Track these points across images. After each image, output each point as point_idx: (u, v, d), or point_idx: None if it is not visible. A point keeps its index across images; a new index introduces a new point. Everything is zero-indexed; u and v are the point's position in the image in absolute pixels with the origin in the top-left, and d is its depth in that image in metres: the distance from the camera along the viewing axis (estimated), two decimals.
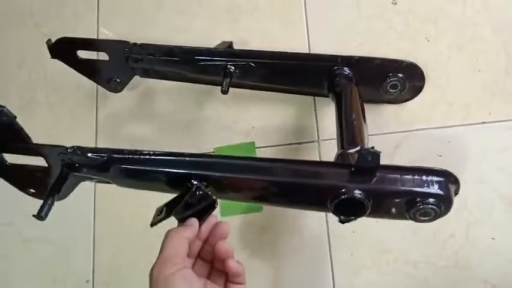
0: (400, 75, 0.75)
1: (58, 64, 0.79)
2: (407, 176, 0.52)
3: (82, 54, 0.80)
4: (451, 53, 0.82)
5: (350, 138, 0.60)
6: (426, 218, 0.53)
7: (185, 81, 0.84)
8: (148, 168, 0.53)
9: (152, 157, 0.53)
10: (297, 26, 0.90)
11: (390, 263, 0.78)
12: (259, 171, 0.53)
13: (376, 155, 0.49)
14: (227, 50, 0.78)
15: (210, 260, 0.54)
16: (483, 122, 0.79)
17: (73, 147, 0.53)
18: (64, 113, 0.95)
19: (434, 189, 0.51)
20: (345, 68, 0.74)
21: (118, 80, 0.84)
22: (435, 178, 0.52)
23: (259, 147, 0.86)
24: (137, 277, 0.81)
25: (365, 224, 0.77)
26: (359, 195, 0.51)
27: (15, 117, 0.52)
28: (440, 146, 0.78)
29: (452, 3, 0.84)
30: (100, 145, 0.91)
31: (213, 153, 0.84)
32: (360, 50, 0.83)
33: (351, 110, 0.66)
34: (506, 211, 0.75)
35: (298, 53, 0.79)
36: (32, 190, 0.59)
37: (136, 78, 0.84)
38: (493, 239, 0.74)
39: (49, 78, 0.97)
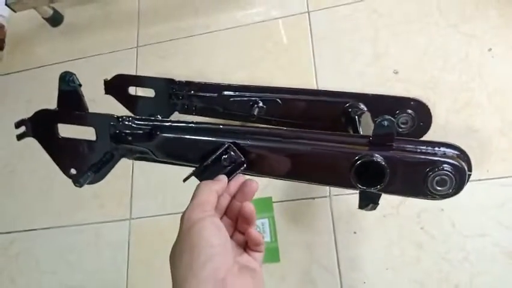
0: (409, 111, 0.81)
1: None
2: (422, 146, 0.55)
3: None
4: (449, 116, 0.88)
5: None
6: (443, 189, 0.54)
7: (218, 117, 0.89)
8: (187, 136, 0.57)
9: (191, 125, 0.57)
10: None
11: None
12: (284, 140, 0.56)
13: (391, 121, 0.53)
14: (257, 86, 0.85)
15: (235, 219, 0.55)
16: (479, 179, 0.82)
17: (122, 116, 0.58)
18: None
19: (448, 158, 0.54)
20: (359, 103, 0.81)
21: (159, 116, 0.91)
22: (448, 149, 0.55)
23: (277, 202, 0.89)
24: None
25: (375, 274, 0.81)
26: (378, 159, 0.53)
27: (81, 85, 0.57)
28: (441, 202, 0.78)
29: (448, 71, 0.92)
30: None
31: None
32: None
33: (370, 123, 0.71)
34: (506, 263, 0.76)
35: (319, 90, 0.88)
36: (73, 171, 0.61)
37: None
38: None
39: None
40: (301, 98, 0.84)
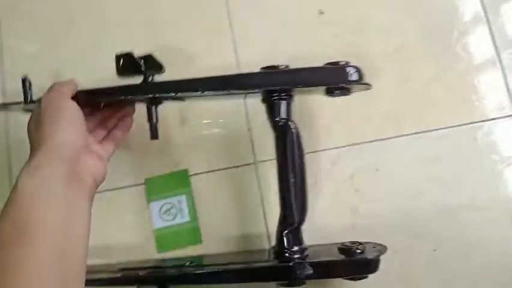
0: (344, 86, 0.62)
1: None
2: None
3: None
4: (380, 64, 0.76)
5: (287, 212, 0.63)
6: None
7: None
8: None
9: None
10: (222, 40, 0.81)
11: None
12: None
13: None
14: (148, 84, 0.63)
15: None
16: (416, 133, 0.74)
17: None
18: None
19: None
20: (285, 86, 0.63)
21: None
22: None
23: (194, 174, 0.77)
24: None
25: (309, 244, 0.68)
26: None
27: None
28: (377, 160, 0.74)
29: (377, 11, 0.78)
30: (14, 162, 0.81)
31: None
32: (290, 62, 0.69)
33: (292, 168, 0.63)
34: (444, 221, 0.72)
35: (229, 76, 0.68)
36: None
37: None
38: (434, 250, 0.71)
39: None
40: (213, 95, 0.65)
